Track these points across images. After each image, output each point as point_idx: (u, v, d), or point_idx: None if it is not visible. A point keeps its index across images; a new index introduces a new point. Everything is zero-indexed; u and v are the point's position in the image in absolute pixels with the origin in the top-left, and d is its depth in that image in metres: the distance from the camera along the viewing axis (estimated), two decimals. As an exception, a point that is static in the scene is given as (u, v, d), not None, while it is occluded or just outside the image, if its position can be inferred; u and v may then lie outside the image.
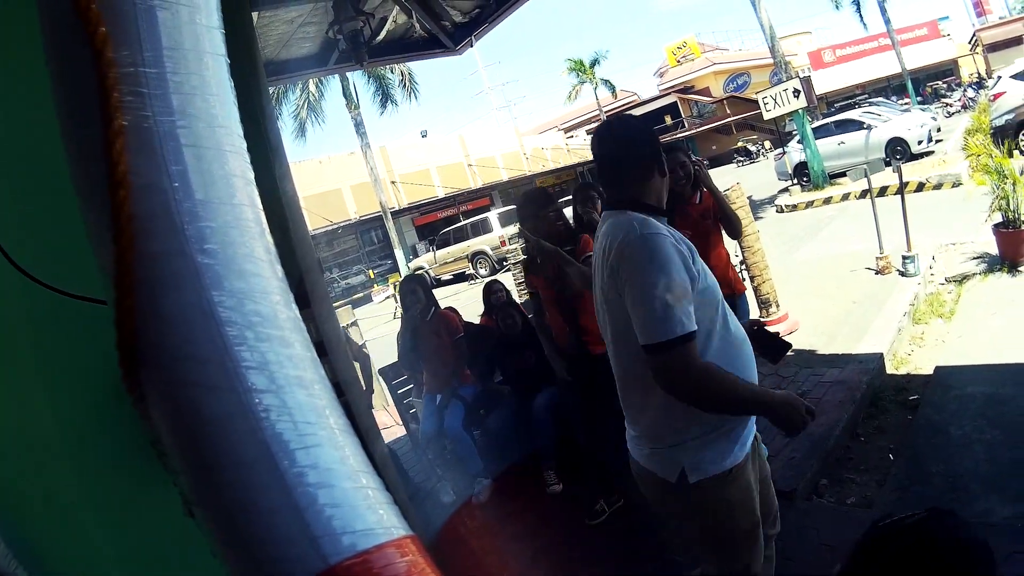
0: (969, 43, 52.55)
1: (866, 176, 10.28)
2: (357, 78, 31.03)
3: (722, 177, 35.11)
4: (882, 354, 6.38)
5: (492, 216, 29.74)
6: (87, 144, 0.91)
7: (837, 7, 40.07)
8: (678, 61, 62.22)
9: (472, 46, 7.12)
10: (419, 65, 46.58)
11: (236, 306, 0.91)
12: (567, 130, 60.68)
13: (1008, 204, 7.74)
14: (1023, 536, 3.49)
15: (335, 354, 1.49)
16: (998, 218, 8.03)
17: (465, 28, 6.92)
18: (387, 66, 29.08)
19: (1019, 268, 7.73)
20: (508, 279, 11.83)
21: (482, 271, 27.97)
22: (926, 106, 36.00)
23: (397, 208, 37.00)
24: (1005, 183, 7.80)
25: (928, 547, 1.47)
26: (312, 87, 30.76)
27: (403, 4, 6.27)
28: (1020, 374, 5.18)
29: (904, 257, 8.71)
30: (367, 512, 0.87)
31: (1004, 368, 5.34)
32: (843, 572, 1.58)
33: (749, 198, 9.97)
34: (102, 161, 0.88)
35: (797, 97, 19.63)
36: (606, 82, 53.05)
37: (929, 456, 4.67)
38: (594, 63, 50.95)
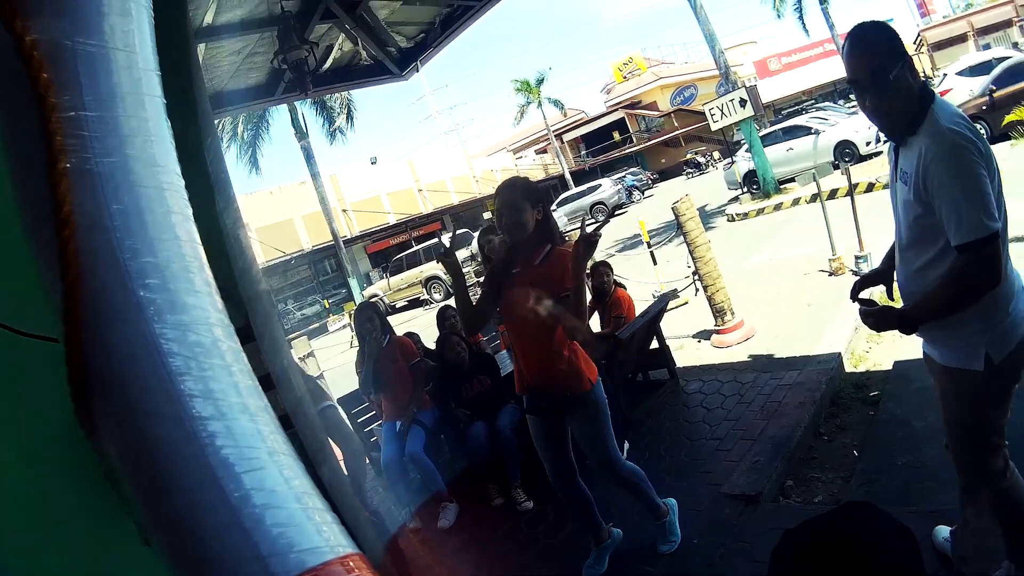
0: (914, 43, 53.61)
1: (815, 180, 10.33)
2: (306, 108, 30.96)
3: (672, 190, 35.37)
4: (840, 353, 6.42)
5: (444, 240, 29.65)
6: (34, 186, 0.94)
7: (779, 16, 40.72)
8: (624, 77, 62.62)
9: (418, 71, 7.21)
10: (366, 92, 46.62)
11: (179, 337, 0.94)
12: (516, 151, 60.95)
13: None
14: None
15: (282, 382, 1.51)
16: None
17: (410, 53, 7.01)
18: (332, 95, 29.03)
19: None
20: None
21: (436, 296, 27.87)
22: (873, 108, 36.58)
23: (349, 236, 36.81)
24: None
25: (843, 539, 1.50)
26: (251, 121, 30.54)
27: (348, 32, 6.31)
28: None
29: (857, 257, 8.84)
30: (313, 531, 0.91)
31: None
32: None
33: (700, 209, 10.04)
34: (49, 202, 0.92)
35: (744, 107, 19.64)
36: (554, 101, 53.16)
37: (894, 449, 4.71)
38: (540, 82, 51.00)
